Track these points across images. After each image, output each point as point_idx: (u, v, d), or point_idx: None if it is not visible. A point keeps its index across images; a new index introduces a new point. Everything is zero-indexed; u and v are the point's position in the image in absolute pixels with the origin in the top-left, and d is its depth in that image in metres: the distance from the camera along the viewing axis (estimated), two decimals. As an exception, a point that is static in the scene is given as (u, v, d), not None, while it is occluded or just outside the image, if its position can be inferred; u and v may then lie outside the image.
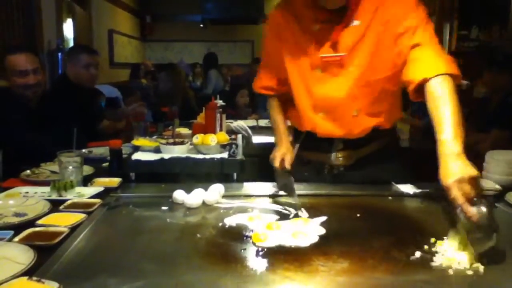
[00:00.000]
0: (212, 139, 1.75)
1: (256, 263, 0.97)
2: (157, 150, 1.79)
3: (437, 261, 0.96)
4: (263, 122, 3.44)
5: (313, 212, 1.27)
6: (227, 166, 1.67)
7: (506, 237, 1.06)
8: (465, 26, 5.76)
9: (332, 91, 1.41)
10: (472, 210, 0.99)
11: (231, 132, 2.42)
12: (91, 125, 2.70)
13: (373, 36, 1.35)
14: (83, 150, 1.94)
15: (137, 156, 1.71)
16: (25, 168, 1.73)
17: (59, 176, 1.51)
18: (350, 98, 1.40)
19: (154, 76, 6.49)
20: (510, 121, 2.77)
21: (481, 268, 0.93)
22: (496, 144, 2.47)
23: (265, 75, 1.64)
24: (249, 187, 1.55)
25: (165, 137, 2.30)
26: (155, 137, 2.30)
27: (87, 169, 1.70)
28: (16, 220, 1.19)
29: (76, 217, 1.19)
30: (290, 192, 1.39)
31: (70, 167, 1.49)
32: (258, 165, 2.00)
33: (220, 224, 1.20)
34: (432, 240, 1.06)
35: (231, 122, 2.74)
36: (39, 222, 1.15)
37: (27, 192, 1.45)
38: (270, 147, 1.59)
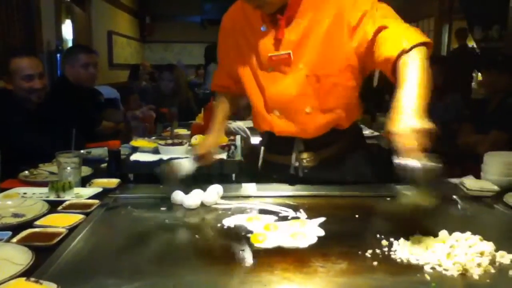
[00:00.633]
0: (211, 140, 1.75)
1: (255, 264, 0.96)
2: (155, 151, 1.79)
3: (435, 262, 0.95)
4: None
5: (311, 213, 1.27)
6: (225, 167, 1.67)
7: (506, 237, 1.05)
8: (465, 27, 5.78)
9: (283, 89, 1.42)
10: (411, 161, 0.94)
11: (229, 133, 2.42)
12: (90, 126, 2.70)
13: (320, 31, 1.36)
14: (82, 151, 1.93)
15: (136, 157, 1.72)
16: (24, 168, 1.73)
17: (58, 177, 1.51)
18: (301, 95, 1.41)
19: (152, 77, 6.49)
20: (509, 123, 2.76)
21: (480, 271, 0.92)
22: (495, 146, 2.47)
23: (222, 74, 1.65)
24: (248, 188, 1.54)
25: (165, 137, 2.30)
26: (153, 138, 2.30)
27: (86, 170, 1.70)
28: (14, 220, 1.19)
29: (75, 218, 1.19)
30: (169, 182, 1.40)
31: (69, 168, 1.49)
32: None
33: (219, 225, 1.19)
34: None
35: (230, 123, 2.73)
36: (37, 223, 1.15)
37: (25, 193, 1.45)
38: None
